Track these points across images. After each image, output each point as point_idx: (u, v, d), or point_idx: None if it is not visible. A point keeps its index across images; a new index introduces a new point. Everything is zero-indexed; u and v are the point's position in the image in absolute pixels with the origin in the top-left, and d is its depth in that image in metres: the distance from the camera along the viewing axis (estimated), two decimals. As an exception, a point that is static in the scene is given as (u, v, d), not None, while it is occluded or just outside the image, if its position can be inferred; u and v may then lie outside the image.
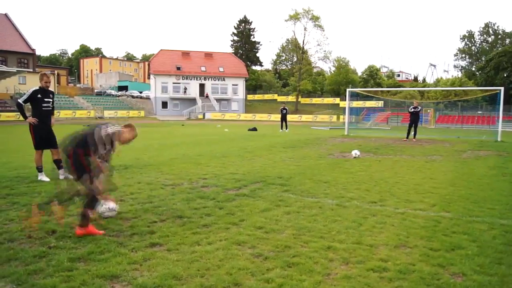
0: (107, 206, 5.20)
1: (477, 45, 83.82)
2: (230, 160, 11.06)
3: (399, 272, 3.64)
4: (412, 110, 20.59)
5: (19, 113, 7.92)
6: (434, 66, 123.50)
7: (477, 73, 77.06)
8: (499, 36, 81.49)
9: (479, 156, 13.29)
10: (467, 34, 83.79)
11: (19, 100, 7.60)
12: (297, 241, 4.44)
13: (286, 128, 29.01)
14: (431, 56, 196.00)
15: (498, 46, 78.67)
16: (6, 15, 60.82)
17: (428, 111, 54.14)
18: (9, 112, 41.65)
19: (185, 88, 66.44)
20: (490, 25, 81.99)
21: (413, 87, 69.24)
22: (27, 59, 59.03)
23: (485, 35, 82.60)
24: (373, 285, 3.39)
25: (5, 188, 6.90)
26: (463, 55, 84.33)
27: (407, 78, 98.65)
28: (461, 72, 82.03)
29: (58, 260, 3.77)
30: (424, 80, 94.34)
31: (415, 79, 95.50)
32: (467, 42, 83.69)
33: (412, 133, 20.55)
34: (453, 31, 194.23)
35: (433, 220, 5.36)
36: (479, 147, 16.70)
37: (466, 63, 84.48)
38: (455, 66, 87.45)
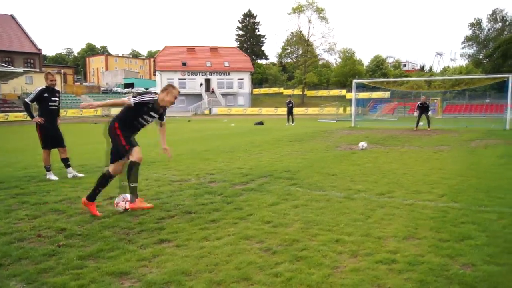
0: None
1: (485, 32, 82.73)
2: (237, 155, 11.06)
3: (408, 264, 3.63)
4: (420, 104, 21.93)
5: (26, 112, 7.96)
6: (441, 55, 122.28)
7: (484, 60, 76.12)
8: (507, 23, 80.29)
9: (488, 145, 13.19)
10: (474, 22, 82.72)
11: (26, 100, 7.64)
12: (305, 235, 4.44)
13: (293, 122, 28.94)
14: (437, 45, 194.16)
15: (506, 33, 77.60)
16: (12, 16, 61.15)
17: (435, 100, 53.75)
18: (17, 112, 41.93)
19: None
20: (497, 11, 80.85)
21: (419, 76, 68.58)
22: (33, 59, 59.40)
23: (492, 22, 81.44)
24: (382, 277, 3.38)
25: (15, 187, 6.96)
26: (470, 43, 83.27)
27: (413, 68, 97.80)
28: (468, 61, 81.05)
29: (67, 258, 3.80)
30: (430, 69, 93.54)
31: (422, 68, 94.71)
32: (475, 30, 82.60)
33: (421, 123, 21.76)
34: (459, 19, 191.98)
35: (442, 211, 5.32)
36: (488, 136, 16.57)
37: (473, 51, 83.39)
38: (461, 55, 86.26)
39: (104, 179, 5.32)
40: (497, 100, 51.07)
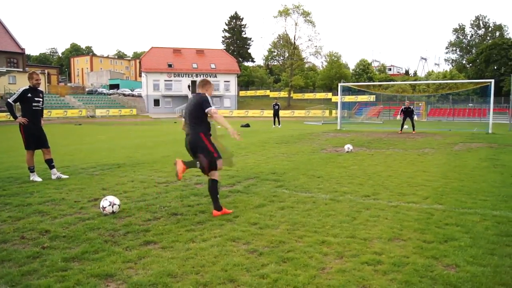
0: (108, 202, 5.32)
1: (468, 38, 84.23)
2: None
3: (393, 265, 3.67)
4: (404, 108, 22.10)
5: (9, 113, 7.82)
6: (425, 59, 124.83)
7: (467, 66, 77.47)
8: (490, 29, 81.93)
9: (471, 148, 13.39)
10: (458, 28, 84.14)
11: (9, 100, 7.52)
12: (292, 236, 4.45)
13: (279, 124, 29.03)
14: (422, 50, 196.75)
15: (488, 39, 79.14)
16: (-6, 14, 60.09)
17: (420, 104, 54.45)
18: (0, 113, 41.23)
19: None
20: (480, 18, 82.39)
21: (404, 80, 69.48)
22: (16, 58, 58.46)
23: (475, 28, 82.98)
24: (367, 278, 3.41)
25: (-3, 189, 6.83)
26: (454, 48, 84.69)
27: (398, 72, 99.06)
28: (452, 65, 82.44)
29: (52, 260, 3.75)
30: (415, 73, 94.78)
31: (407, 72, 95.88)
32: (459, 36, 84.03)
33: (406, 126, 22.08)
34: (443, 24, 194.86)
35: (426, 213, 5.39)
36: (471, 140, 16.83)
37: (457, 56, 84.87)
38: (445, 60, 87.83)
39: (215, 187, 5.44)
40: (480, 104, 52.03)
